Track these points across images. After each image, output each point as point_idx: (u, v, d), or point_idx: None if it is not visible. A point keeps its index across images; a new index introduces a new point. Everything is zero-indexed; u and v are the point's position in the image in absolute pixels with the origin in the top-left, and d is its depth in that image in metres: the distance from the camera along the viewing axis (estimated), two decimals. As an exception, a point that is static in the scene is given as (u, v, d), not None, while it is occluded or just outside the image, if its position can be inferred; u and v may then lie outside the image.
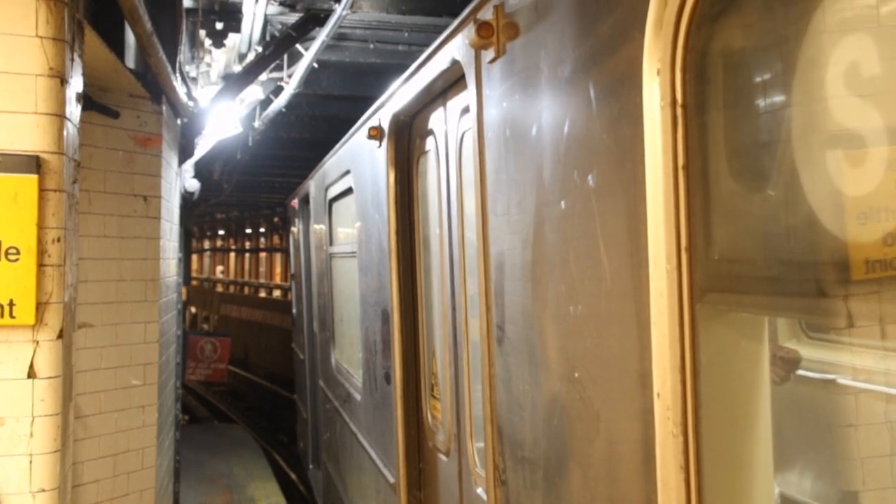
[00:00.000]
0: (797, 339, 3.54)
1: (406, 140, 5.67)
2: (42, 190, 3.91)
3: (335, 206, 9.21)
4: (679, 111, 1.93)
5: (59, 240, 3.95)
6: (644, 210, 2.06)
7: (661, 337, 2.00)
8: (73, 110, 4.16)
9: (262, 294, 42.50)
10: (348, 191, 7.79)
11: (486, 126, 3.45)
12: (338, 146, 8.32)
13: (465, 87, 3.92)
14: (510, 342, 3.19)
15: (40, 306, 3.91)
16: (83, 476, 6.51)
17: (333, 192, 8.92)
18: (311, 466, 13.01)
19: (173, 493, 9.41)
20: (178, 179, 8.97)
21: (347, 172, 7.62)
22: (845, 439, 3.50)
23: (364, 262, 6.93)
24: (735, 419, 2.00)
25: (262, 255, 46.16)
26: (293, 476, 16.00)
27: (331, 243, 9.48)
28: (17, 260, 3.86)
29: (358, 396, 7.56)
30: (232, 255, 52.13)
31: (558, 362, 2.69)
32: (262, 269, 46.08)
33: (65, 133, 4.02)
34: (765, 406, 2.02)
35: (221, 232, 52.70)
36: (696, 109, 1.94)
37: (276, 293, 40.31)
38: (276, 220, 40.81)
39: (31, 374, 3.92)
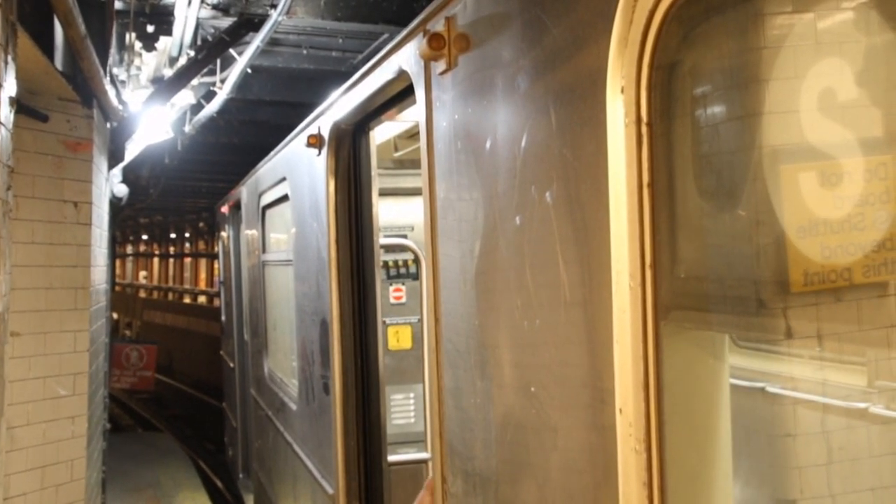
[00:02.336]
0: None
1: (348, 149, 5.63)
2: (-26, 195, 3.81)
3: (269, 213, 9.10)
4: (644, 129, 1.94)
5: (-9, 248, 3.85)
6: (607, 226, 2.06)
7: (624, 354, 2.00)
8: (7, 115, 4.04)
9: (187, 300, 41.89)
10: (284, 198, 7.71)
11: (435, 138, 3.44)
12: (273, 153, 8.23)
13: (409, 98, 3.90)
14: (460, 355, 3.17)
15: (-29, 317, 3.81)
16: (10, 489, 6.33)
17: (268, 198, 8.82)
18: (241, 475, 12.85)
19: (100, 505, 9.22)
20: (108, 185, 8.80)
21: (283, 180, 7.54)
22: (784, 449, 3.55)
23: (301, 271, 6.86)
24: (697, 435, 2.01)
25: (187, 260, 45.52)
26: (221, 485, 15.78)
27: (264, 251, 9.37)
28: (-52, 269, 3.75)
29: (293, 406, 7.48)
30: (156, 260, 51.29)
31: (513, 377, 2.69)
32: (187, 274, 45.44)
33: (-2, 138, 3.92)
34: (726, 422, 2.04)
35: (145, 237, 51.86)
36: (661, 127, 1.95)
37: (202, 299, 39.80)
38: (201, 225, 40.30)
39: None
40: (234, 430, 13.48)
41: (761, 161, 1.89)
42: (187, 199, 30.19)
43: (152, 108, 8.66)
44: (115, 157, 8.74)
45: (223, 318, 15.42)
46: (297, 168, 6.84)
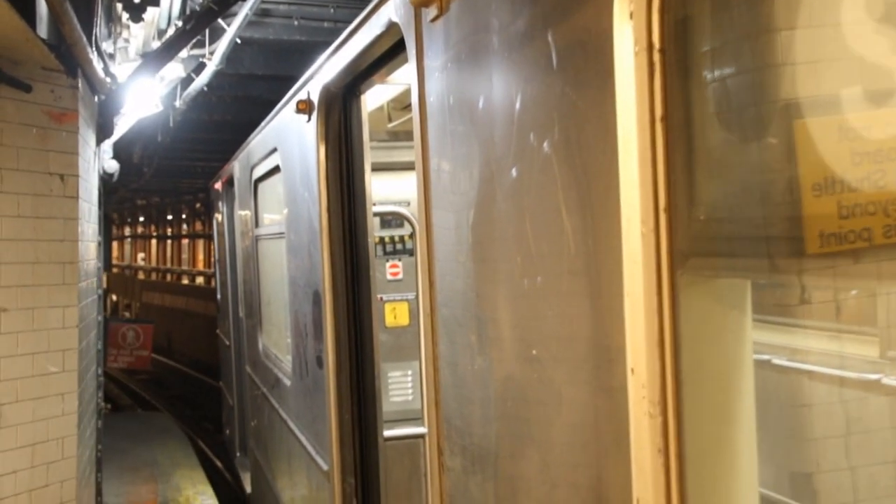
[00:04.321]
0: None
1: (338, 114, 5.43)
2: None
3: (261, 186, 8.91)
4: (656, 57, 1.74)
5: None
6: (615, 168, 1.87)
7: (636, 308, 1.82)
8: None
9: (185, 281, 41.80)
10: (275, 170, 7.52)
11: (427, 91, 3.24)
12: (264, 123, 8.02)
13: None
14: (456, 319, 2.99)
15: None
16: (0, 466, 6.17)
17: (259, 171, 8.62)
18: (238, 454, 12.72)
19: (95, 483, 9.06)
20: (97, 159, 8.59)
21: (274, 150, 7.34)
22: (799, 420, 3.39)
23: (293, 243, 6.68)
24: (718, 397, 1.82)
25: (185, 241, 45.37)
26: (219, 464, 15.65)
27: (257, 225, 9.18)
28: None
29: (287, 381, 7.31)
30: (153, 241, 51.10)
31: (513, 339, 2.50)
32: (185, 255, 45.32)
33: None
34: (749, 382, 1.85)
35: (142, 218, 51.65)
36: (675, 55, 1.76)
37: (199, 280, 39.73)
38: (198, 206, 40.11)
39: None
40: (231, 409, 13.35)
41: (794, 81, 1.69)
42: (183, 179, 30.02)
43: (140, 81, 8.43)
44: (103, 132, 8.52)
45: (219, 296, 15.28)
46: (288, 138, 6.65)
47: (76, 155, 6.70)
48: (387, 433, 5.51)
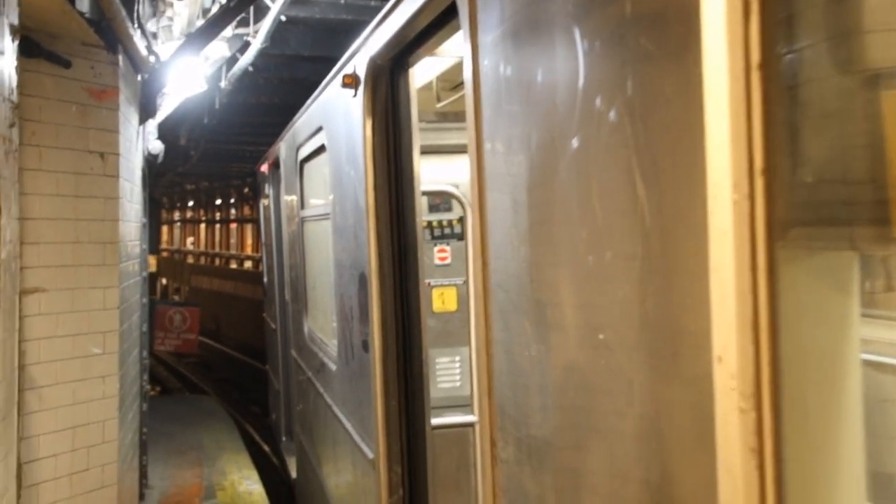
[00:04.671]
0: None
1: (385, 87, 5.21)
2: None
3: (307, 167, 8.73)
4: (753, -6, 1.49)
5: (-9, 190, 3.49)
6: (701, 126, 1.62)
7: (725, 285, 1.57)
8: (7, 44, 3.67)
9: (234, 265, 41.92)
10: (321, 149, 7.33)
11: (481, 60, 3.00)
12: (309, 102, 7.84)
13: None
14: (512, 302, 2.75)
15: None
16: (39, 450, 6.05)
17: (305, 151, 8.44)
18: (283, 439, 12.61)
19: (140, 467, 8.98)
20: (140, 139, 8.46)
21: (320, 129, 7.15)
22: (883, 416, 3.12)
23: (339, 224, 6.49)
24: (823, 389, 1.57)
25: (233, 226, 45.51)
26: (266, 448, 15.59)
27: (302, 207, 9.00)
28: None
29: (332, 366, 7.13)
30: (202, 226, 51.33)
31: (577, 324, 2.26)
32: (233, 240, 45.46)
33: (-2, 69, 3.54)
34: (856, 372, 1.60)
35: (191, 203, 51.89)
36: (776, -10, 1.50)
37: (248, 264, 39.82)
38: (246, 190, 40.19)
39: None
40: (277, 393, 13.25)
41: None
42: (231, 163, 30.04)
43: (184, 59, 8.26)
44: (146, 111, 8.37)
45: (265, 280, 15.20)
46: (334, 115, 6.46)
47: (117, 133, 6.55)
48: (434, 421, 5.30)
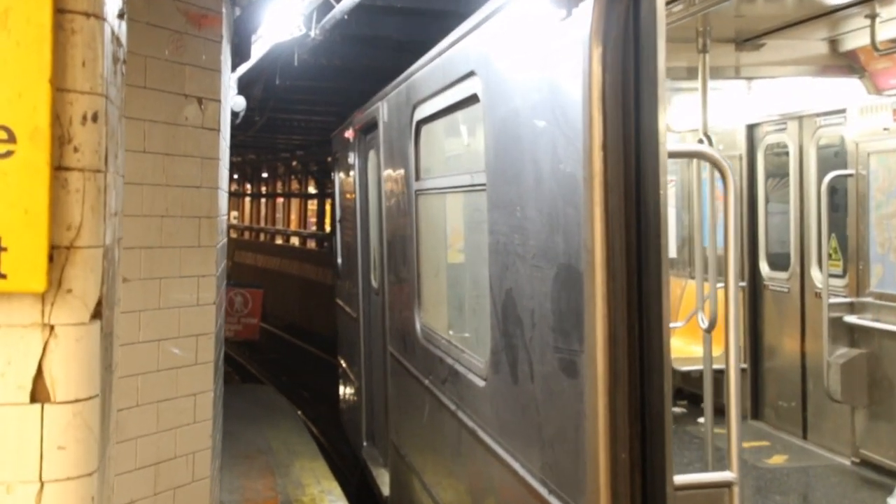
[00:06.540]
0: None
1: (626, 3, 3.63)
2: (60, 11, 1.87)
3: (429, 128, 7.14)
4: None
5: (94, 117, 1.91)
6: None
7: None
8: None
9: (279, 241, 40.59)
10: (465, 102, 5.76)
11: None
12: (445, 44, 6.23)
13: None
14: None
15: (58, 253, 1.87)
16: (112, 496, 4.50)
17: (428, 109, 6.86)
18: (365, 444, 11.07)
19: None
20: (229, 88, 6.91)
21: (469, 75, 5.56)
22: None
23: (505, 198, 4.93)
24: None
25: (280, 200, 44.13)
26: (323, 441, 14.03)
27: (418, 177, 7.39)
28: (9, 155, 1.82)
29: (478, 381, 5.57)
30: (247, 199, 49.97)
31: None
32: (279, 215, 44.13)
33: None
34: None
35: (236, 175, 50.52)
36: None
37: (294, 240, 38.50)
38: (294, 164, 38.71)
39: (38, 394, 1.88)
40: (357, 391, 11.73)
41: None
42: (280, 136, 28.66)
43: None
44: (238, 54, 6.82)
45: (339, 260, 13.73)
46: (499, 54, 4.90)
47: (218, 72, 4.98)
48: (678, 479, 3.71)
